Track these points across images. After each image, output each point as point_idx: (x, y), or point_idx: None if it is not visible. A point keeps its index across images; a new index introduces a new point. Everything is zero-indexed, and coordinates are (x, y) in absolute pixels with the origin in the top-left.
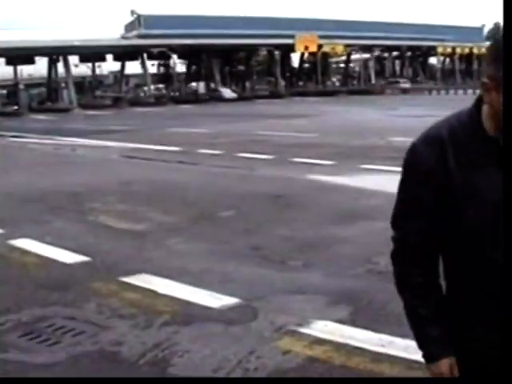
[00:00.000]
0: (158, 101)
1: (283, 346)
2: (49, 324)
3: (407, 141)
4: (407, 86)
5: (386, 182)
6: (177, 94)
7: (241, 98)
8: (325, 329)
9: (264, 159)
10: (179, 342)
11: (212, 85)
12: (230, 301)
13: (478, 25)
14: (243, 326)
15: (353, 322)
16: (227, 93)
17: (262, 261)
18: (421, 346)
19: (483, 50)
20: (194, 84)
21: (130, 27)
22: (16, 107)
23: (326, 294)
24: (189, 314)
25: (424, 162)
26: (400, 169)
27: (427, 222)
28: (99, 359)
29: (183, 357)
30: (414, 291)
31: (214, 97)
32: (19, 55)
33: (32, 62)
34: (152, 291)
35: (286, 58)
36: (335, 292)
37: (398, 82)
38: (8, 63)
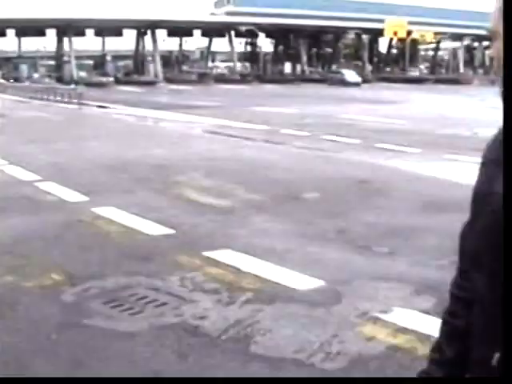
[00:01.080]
0: (244, 79)
1: (366, 332)
2: (132, 293)
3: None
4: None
5: (472, 173)
6: (262, 73)
7: (327, 80)
8: (409, 318)
9: (350, 143)
10: (262, 321)
11: (298, 66)
12: (313, 283)
13: None
14: (326, 309)
15: (437, 313)
16: (351, 76)
17: (346, 245)
18: None
19: None
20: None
21: (219, 4)
22: (104, 78)
23: (410, 282)
24: (272, 293)
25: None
26: None
27: None
28: (181, 332)
29: (265, 336)
30: None
31: (334, 80)
32: (108, 28)
33: (120, 34)
34: (235, 268)
35: (373, 43)
36: (420, 281)
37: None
38: (96, 34)
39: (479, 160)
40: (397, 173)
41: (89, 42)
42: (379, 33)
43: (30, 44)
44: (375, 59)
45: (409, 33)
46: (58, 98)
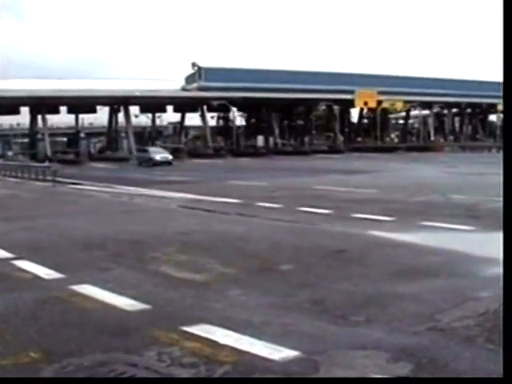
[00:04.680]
0: (217, 153)
1: None
2: (110, 369)
3: (468, 198)
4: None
5: (447, 239)
6: (235, 146)
7: (299, 153)
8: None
9: (324, 214)
10: None
11: (271, 139)
12: (291, 353)
13: None
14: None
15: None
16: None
17: (323, 315)
18: None
19: None
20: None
21: (190, 79)
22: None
23: (387, 350)
24: (250, 364)
25: None
26: (461, 226)
27: None
28: None
29: None
30: None
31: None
32: (81, 104)
33: (94, 111)
34: (213, 341)
35: (345, 113)
36: (397, 348)
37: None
38: (70, 111)
39: (454, 226)
40: (371, 241)
41: (63, 119)
42: (350, 103)
43: (4, 122)
44: (347, 130)
45: (379, 102)
46: (33, 176)
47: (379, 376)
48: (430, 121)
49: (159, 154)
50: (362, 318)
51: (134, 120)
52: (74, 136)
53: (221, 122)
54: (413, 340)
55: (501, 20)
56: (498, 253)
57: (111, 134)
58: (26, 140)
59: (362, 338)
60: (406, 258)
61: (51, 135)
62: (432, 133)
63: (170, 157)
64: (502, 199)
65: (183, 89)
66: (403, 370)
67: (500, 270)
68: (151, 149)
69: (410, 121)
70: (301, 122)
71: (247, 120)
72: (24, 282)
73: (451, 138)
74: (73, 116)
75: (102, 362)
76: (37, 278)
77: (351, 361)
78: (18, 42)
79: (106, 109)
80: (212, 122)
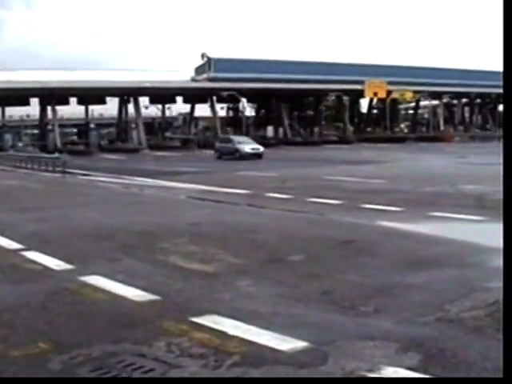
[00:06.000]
0: None
1: None
2: (119, 360)
3: (477, 188)
4: None
5: (456, 229)
6: None
7: (309, 143)
8: (395, 375)
9: (333, 204)
10: None
11: (280, 129)
12: (299, 344)
13: None
14: (313, 370)
15: (424, 369)
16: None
17: (331, 305)
18: None
19: None
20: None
21: (200, 70)
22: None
23: (396, 340)
24: (259, 355)
25: None
26: (470, 217)
27: None
28: None
29: None
30: None
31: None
32: (91, 95)
33: (103, 102)
34: (222, 332)
35: (354, 104)
36: (405, 339)
37: None
38: (79, 103)
39: (463, 216)
40: (380, 231)
41: (72, 110)
42: (360, 94)
43: (14, 113)
44: (356, 120)
45: (389, 93)
46: (43, 167)
47: (389, 367)
48: (440, 111)
49: (248, 144)
50: (371, 309)
51: (143, 111)
52: (83, 127)
53: (230, 112)
54: (422, 330)
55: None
56: None
57: (121, 124)
58: (35, 131)
59: (371, 328)
60: (415, 248)
61: (61, 126)
62: (442, 123)
63: (262, 148)
64: (502, 192)
65: (193, 80)
66: (412, 360)
67: None
68: (236, 138)
69: (420, 111)
70: (310, 113)
71: (257, 111)
72: (34, 273)
73: (461, 128)
74: (83, 107)
75: (111, 353)
76: (47, 269)
77: (360, 351)
78: (28, 32)
79: (116, 100)
80: (222, 113)
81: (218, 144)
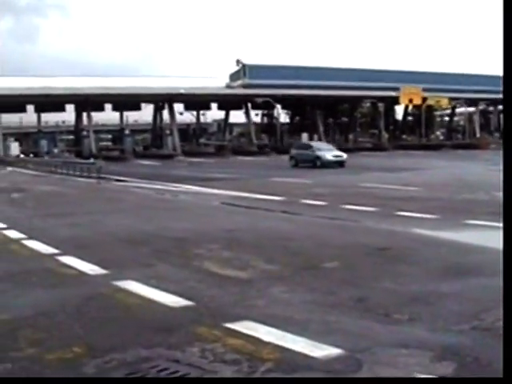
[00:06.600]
0: (261, 150)
1: None
2: (153, 365)
3: None
4: None
5: (492, 237)
6: (279, 143)
7: (343, 150)
8: None
9: (368, 211)
10: None
11: (315, 136)
12: (333, 351)
13: None
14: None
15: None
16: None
17: (366, 313)
18: None
19: None
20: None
21: (235, 76)
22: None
23: (430, 348)
24: (292, 362)
25: None
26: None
27: None
28: None
29: None
30: None
31: None
32: (126, 102)
33: (138, 108)
34: (255, 338)
35: (389, 111)
36: (440, 347)
37: None
38: (115, 109)
39: (498, 224)
40: (416, 239)
41: (107, 117)
42: (395, 101)
43: (50, 119)
44: (391, 127)
45: (424, 99)
46: (78, 173)
47: (423, 376)
48: (476, 118)
49: (329, 151)
50: (406, 317)
51: (178, 117)
52: (118, 133)
53: (265, 119)
54: (457, 339)
55: None
56: None
57: (156, 131)
58: (71, 137)
59: (406, 336)
60: (451, 256)
61: (96, 132)
62: (478, 130)
63: (345, 155)
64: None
65: (227, 86)
66: (447, 369)
67: None
68: (316, 144)
69: (456, 118)
70: (345, 120)
71: (291, 117)
72: (69, 278)
73: (497, 135)
74: (118, 113)
75: (145, 358)
76: (82, 273)
77: (394, 359)
78: (64, 40)
79: (151, 106)
80: (256, 119)
81: (293, 151)
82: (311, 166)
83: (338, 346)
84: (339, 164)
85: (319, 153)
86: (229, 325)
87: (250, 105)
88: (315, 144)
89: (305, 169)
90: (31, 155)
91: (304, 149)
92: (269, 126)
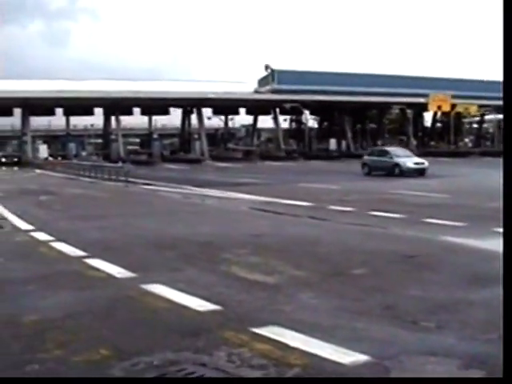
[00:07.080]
0: (289, 155)
1: None
2: (180, 368)
3: None
4: None
5: None
6: (308, 149)
7: None
8: None
9: (396, 218)
10: None
11: (343, 142)
12: (361, 358)
13: None
14: None
15: None
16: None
17: (393, 320)
18: None
19: None
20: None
21: (263, 82)
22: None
23: (458, 357)
24: (319, 368)
25: None
26: None
27: None
28: None
29: None
30: None
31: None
32: (154, 106)
33: (167, 112)
34: (283, 343)
35: (418, 117)
36: (468, 356)
37: None
38: (143, 113)
39: None
40: (444, 247)
41: (136, 121)
42: (423, 107)
43: (78, 122)
44: (420, 133)
45: (453, 106)
46: (106, 176)
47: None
48: None
49: (409, 158)
50: (434, 324)
51: (206, 122)
52: (146, 137)
53: (293, 124)
54: (484, 347)
55: None
56: None
57: (184, 135)
58: (99, 140)
59: (433, 344)
60: (479, 264)
61: (124, 136)
62: None
63: (426, 163)
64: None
65: (256, 91)
66: (474, 377)
67: None
68: (394, 150)
69: (485, 125)
70: (374, 126)
71: (320, 123)
72: (97, 281)
73: None
74: (146, 117)
75: (172, 361)
76: (109, 276)
77: (421, 366)
78: (94, 44)
79: (179, 110)
80: (284, 125)
81: (366, 157)
82: (386, 173)
83: (365, 353)
84: (420, 172)
85: (398, 160)
86: (256, 330)
87: (278, 110)
88: (392, 150)
89: (332, 174)
90: (59, 158)
91: (379, 155)
92: (297, 132)
